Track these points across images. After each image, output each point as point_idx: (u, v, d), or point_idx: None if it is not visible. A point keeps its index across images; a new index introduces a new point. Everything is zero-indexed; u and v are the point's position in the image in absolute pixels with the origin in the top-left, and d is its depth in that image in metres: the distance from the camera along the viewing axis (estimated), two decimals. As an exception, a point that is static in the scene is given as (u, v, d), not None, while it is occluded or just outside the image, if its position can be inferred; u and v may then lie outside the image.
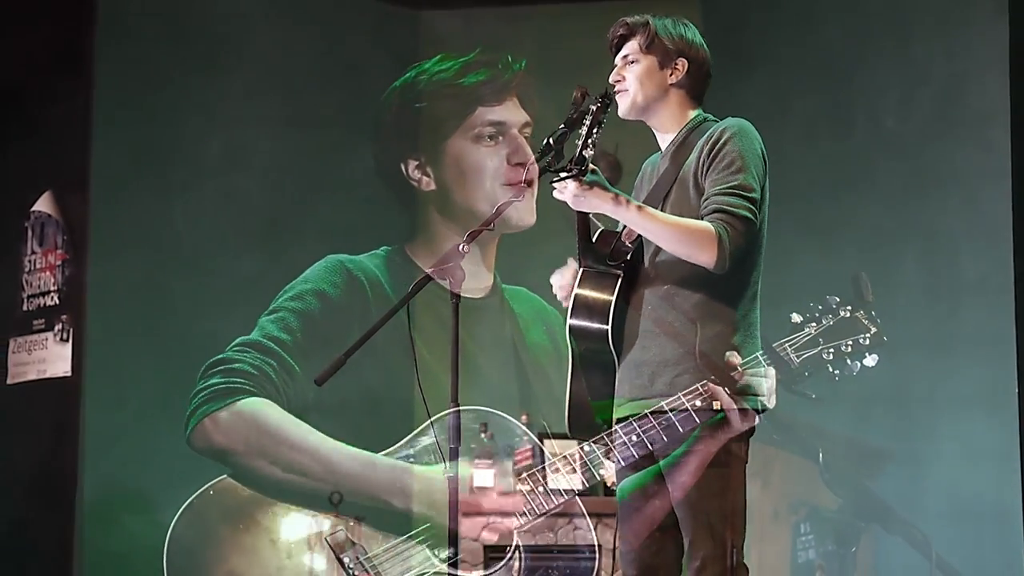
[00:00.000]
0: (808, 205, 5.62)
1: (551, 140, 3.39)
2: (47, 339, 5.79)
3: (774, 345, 3.68)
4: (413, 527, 5.34)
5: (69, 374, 5.70)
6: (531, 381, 6.01)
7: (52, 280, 5.83)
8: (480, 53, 6.11)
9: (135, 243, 5.68)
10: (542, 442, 5.11)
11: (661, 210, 3.48)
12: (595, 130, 3.36)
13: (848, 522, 5.62)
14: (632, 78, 3.58)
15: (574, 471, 4.00)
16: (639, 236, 3.52)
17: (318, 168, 6.01)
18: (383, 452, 5.48)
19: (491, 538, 5.08)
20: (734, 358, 3.43)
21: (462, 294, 3.48)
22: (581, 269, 3.57)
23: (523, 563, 4.93)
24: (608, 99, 3.44)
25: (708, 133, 3.52)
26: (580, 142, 3.35)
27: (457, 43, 6.19)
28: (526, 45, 6.15)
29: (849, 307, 3.77)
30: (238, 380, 5.66)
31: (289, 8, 6.05)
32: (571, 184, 3.38)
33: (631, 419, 3.48)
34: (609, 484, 4.34)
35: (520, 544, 5.00)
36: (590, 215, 3.54)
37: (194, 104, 5.80)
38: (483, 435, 5.37)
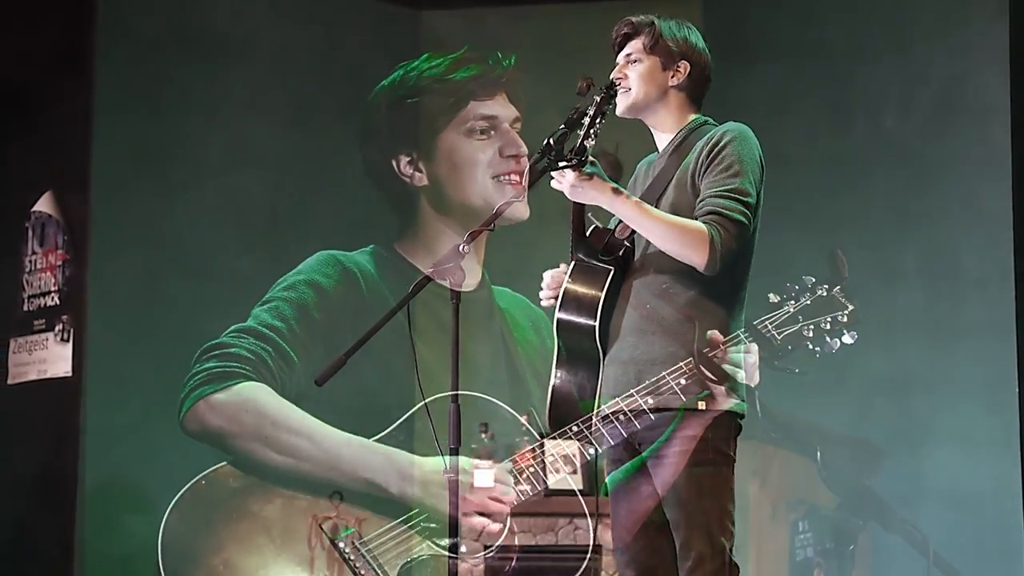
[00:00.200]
0: (808, 204, 5.62)
1: (551, 140, 3.39)
2: (48, 339, 5.79)
3: (755, 323, 3.71)
4: (409, 511, 5.36)
5: (70, 374, 5.70)
6: (521, 375, 6.01)
7: (53, 280, 5.83)
8: (469, 50, 6.12)
9: (135, 243, 5.68)
10: (542, 443, 5.11)
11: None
12: (598, 120, 3.36)
13: (846, 520, 5.63)
14: (634, 77, 3.59)
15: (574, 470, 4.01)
16: (632, 233, 3.52)
17: (319, 168, 6.02)
18: (376, 437, 5.51)
19: (485, 522, 5.12)
20: (717, 336, 3.44)
21: (446, 281, 3.48)
22: (573, 262, 3.57)
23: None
24: (612, 90, 3.45)
25: (708, 135, 3.53)
26: (582, 132, 3.35)
27: (457, 43, 6.19)
28: (526, 45, 6.15)
29: (826, 285, 3.81)
30: (234, 364, 5.66)
31: (289, 8, 6.05)
32: (569, 174, 3.38)
33: (613, 412, 3.49)
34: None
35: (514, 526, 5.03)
36: (586, 209, 3.54)
37: (194, 104, 5.80)
38: (483, 435, 5.38)
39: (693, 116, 3.63)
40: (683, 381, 3.42)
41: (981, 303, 5.47)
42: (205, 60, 5.81)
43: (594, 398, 3.53)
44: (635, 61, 3.60)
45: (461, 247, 3.49)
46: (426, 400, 3.68)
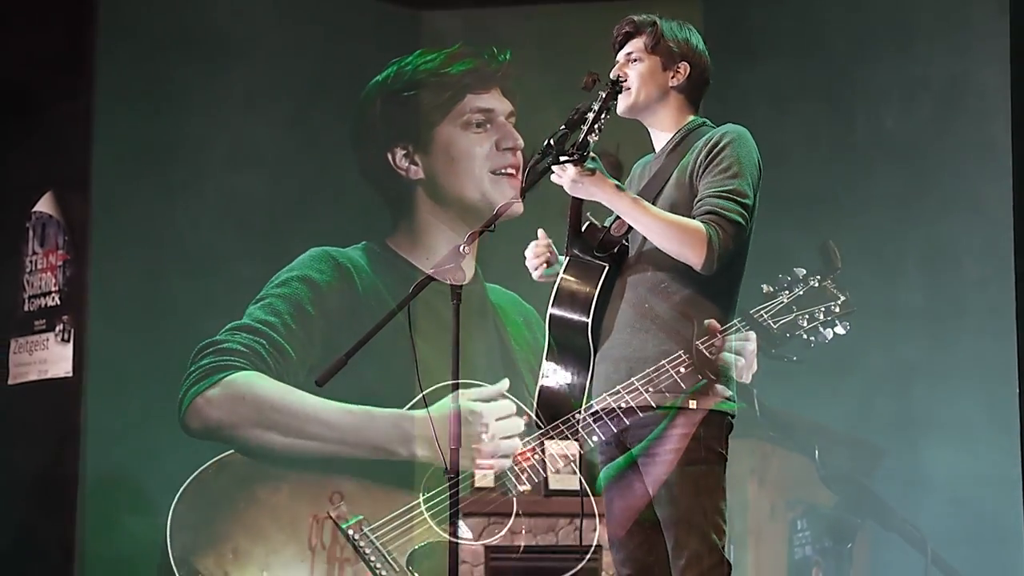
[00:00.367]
0: (808, 205, 5.62)
1: (551, 141, 3.39)
2: (48, 340, 5.79)
3: (751, 312, 3.73)
4: (417, 478, 5.37)
5: (70, 374, 5.70)
6: (518, 370, 6.01)
7: (53, 281, 5.83)
8: (462, 46, 6.12)
9: (136, 243, 5.68)
10: (542, 443, 5.12)
11: None
12: (603, 116, 3.36)
13: (844, 519, 5.64)
14: (635, 76, 3.59)
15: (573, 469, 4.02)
16: (628, 230, 3.52)
17: (319, 168, 6.02)
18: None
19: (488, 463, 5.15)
20: (714, 324, 3.44)
21: (447, 281, 3.48)
22: (567, 257, 3.57)
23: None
24: (618, 87, 3.44)
25: (707, 136, 3.53)
26: (586, 127, 3.35)
27: (457, 42, 6.19)
28: (526, 44, 6.15)
29: (818, 276, 3.84)
30: (228, 358, 5.67)
31: (290, 8, 6.05)
32: (570, 168, 3.38)
33: (603, 407, 3.50)
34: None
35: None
36: (584, 204, 3.54)
37: (195, 104, 5.80)
38: (484, 435, 5.38)
39: (691, 117, 3.63)
40: (682, 370, 3.43)
41: (981, 301, 5.48)
42: (205, 60, 5.81)
43: (583, 395, 3.53)
44: (636, 60, 3.60)
45: (461, 248, 3.49)
46: (424, 392, 3.69)
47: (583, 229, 3.58)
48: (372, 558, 5.28)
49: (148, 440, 5.56)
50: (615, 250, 3.55)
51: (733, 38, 5.69)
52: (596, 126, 3.35)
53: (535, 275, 3.64)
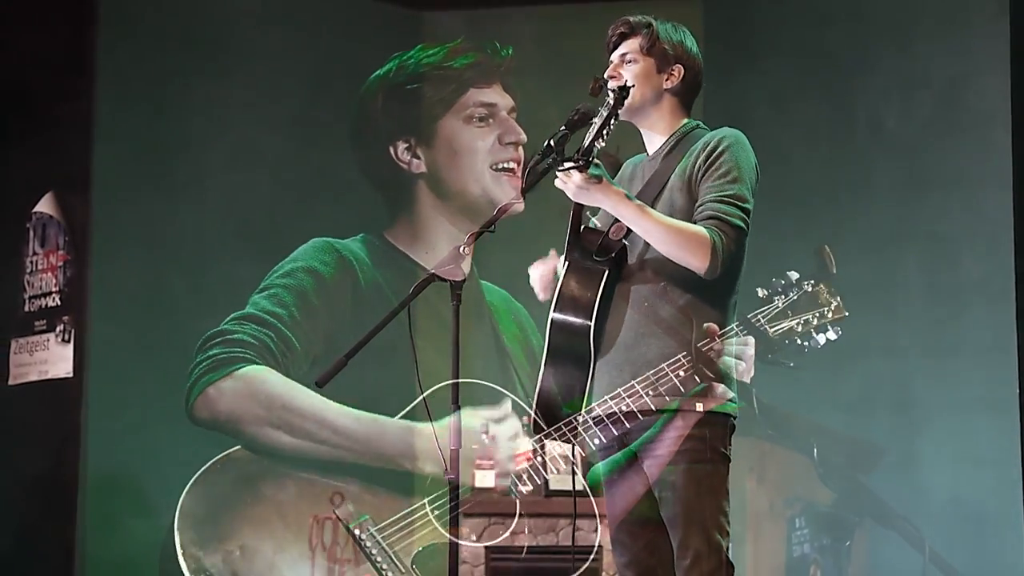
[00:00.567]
0: (808, 206, 5.62)
1: (552, 142, 3.38)
2: (48, 340, 5.80)
3: (749, 316, 3.75)
4: (418, 485, 5.37)
5: (71, 375, 5.70)
6: (513, 366, 6.01)
7: (54, 281, 5.83)
8: (463, 41, 6.13)
9: (136, 244, 5.69)
10: (543, 444, 5.12)
11: None
12: (611, 121, 3.36)
13: (843, 517, 5.65)
14: (629, 78, 3.58)
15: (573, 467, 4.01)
16: (627, 234, 3.52)
17: (319, 168, 6.02)
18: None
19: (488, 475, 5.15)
20: (713, 327, 3.45)
21: (445, 278, 3.48)
22: (567, 263, 3.57)
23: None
24: (625, 92, 3.43)
25: (704, 140, 3.53)
26: (592, 132, 3.35)
27: (458, 39, 6.20)
28: (526, 45, 6.16)
29: (812, 280, 3.85)
30: (238, 349, 5.66)
31: (291, 9, 6.06)
32: (576, 175, 3.38)
33: (605, 410, 3.50)
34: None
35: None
36: (585, 209, 3.54)
37: (195, 105, 5.81)
38: (484, 435, 5.39)
39: (685, 120, 3.63)
40: (682, 373, 3.43)
41: (982, 304, 5.48)
42: (206, 61, 5.82)
43: (584, 398, 3.53)
44: (631, 62, 3.60)
45: (462, 248, 3.49)
46: (424, 393, 3.69)
47: (581, 232, 3.59)
48: (378, 558, 5.28)
49: (149, 440, 5.56)
50: (614, 254, 3.56)
51: (733, 38, 5.70)
52: (605, 132, 3.35)
53: (541, 298, 3.65)
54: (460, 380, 3.47)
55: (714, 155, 3.48)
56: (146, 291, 5.69)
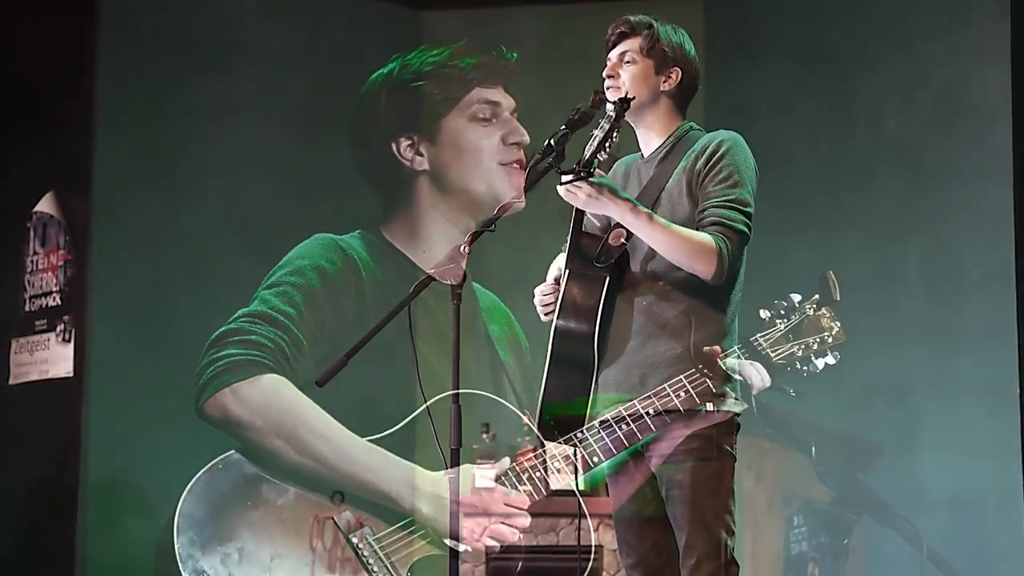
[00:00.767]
0: (809, 205, 5.62)
1: (552, 142, 3.40)
2: (49, 340, 5.80)
3: (750, 339, 3.75)
4: (414, 525, 5.35)
5: (71, 375, 5.70)
6: (507, 369, 6.01)
7: (54, 281, 5.83)
8: (467, 43, 6.12)
9: (137, 244, 5.68)
10: (543, 444, 5.11)
11: None
12: (614, 133, 3.37)
13: (841, 514, 5.65)
14: (627, 78, 3.59)
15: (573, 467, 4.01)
16: (628, 239, 3.52)
17: (321, 170, 6.02)
18: (377, 436, 5.49)
19: (492, 542, 5.11)
20: (715, 350, 3.46)
21: (439, 279, 3.49)
22: (568, 271, 3.58)
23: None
24: (627, 104, 3.44)
25: (702, 143, 3.54)
26: (595, 144, 3.36)
27: (461, 40, 6.20)
28: (527, 45, 6.15)
29: (813, 306, 3.84)
30: (256, 353, 5.61)
31: (292, 10, 6.06)
32: (585, 186, 3.39)
33: (614, 417, 3.50)
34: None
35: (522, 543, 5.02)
36: (586, 216, 3.55)
37: (197, 105, 5.81)
38: (485, 436, 5.38)
39: (680, 122, 3.64)
40: (691, 389, 3.45)
41: (982, 304, 5.48)
42: (207, 61, 5.81)
43: (588, 404, 3.54)
44: (629, 62, 3.60)
45: (462, 248, 3.50)
46: (427, 402, 3.68)
47: (581, 238, 3.60)
48: (375, 568, 5.28)
49: (149, 440, 5.55)
50: (615, 259, 3.56)
51: (733, 38, 5.70)
52: (607, 144, 3.37)
53: (544, 318, 3.65)
54: (464, 391, 3.47)
55: (714, 159, 3.49)
56: (147, 291, 5.68)
